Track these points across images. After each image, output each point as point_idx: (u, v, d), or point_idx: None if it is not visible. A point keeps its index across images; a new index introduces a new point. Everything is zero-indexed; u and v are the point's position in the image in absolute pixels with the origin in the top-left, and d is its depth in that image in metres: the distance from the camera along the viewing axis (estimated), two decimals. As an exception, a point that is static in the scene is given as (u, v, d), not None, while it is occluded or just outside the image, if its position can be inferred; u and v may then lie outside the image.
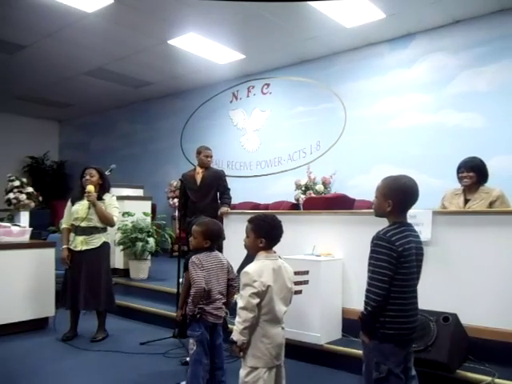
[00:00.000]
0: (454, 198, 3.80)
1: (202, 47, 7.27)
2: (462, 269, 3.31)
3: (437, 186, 4.80)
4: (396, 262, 1.99)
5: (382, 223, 2.24)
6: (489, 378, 2.80)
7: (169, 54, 7.54)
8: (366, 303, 2.04)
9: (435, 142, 6.40)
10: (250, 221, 2.45)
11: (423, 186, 6.77)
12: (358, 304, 3.68)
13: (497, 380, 2.79)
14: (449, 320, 3.00)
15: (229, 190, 5.09)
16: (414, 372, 2.18)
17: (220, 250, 3.35)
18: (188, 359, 2.91)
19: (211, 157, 5.18)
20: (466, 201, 3.71)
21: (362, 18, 6.24)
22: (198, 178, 5.08)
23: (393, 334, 2.02)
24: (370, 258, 2.06)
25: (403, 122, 6.78)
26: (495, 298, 3.15)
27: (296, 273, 3.28)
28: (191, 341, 2.75)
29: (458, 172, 3.80)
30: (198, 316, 2.70)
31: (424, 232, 3.42)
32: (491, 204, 3.55)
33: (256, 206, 7.02)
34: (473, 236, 3.32)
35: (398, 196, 2.10)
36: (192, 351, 2.73)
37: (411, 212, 3.58)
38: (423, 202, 3.82)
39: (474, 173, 3.68)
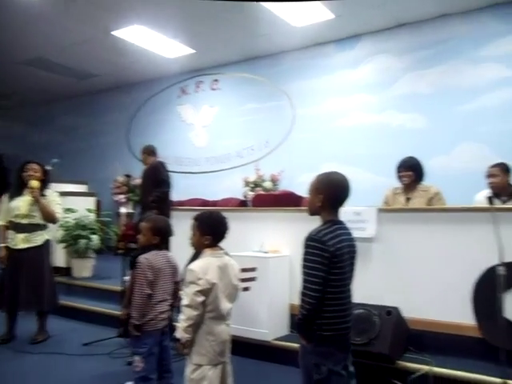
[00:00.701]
0: (396, 198, 3.95)
1: (149, 40, 7.12)
2: (405, 264, 3.44)
3: (381, 183, 4.97)
4: (329, 263, 1.94)
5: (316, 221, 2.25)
6: (426, 367, 2.93)
7: (114, 46, 7.32)
8: (301, 307, 1.98)
9: (380, 142, 6.61)
10: (195, 218, 2.42)
11: (368, 183, 6.98)
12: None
13: (434, 368, 2.92)
14: (391, 313, 3.11)
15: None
16: (351, 368, 2.15)
17: (167, 247, 3.29)
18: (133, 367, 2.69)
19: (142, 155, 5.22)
20: (407, 199, 3.86)
21: (311, 18, 6.33)
22: (142, 175, 5.15)
23: (330, 335, 1.99)
24: (303, 259, 1.99)
25: (349, 122, 6.96)
26: (434, 292, 3.30)
27: (244, 270, 3.30)
28: (137, 358, 2.59)
29: (398, 171, 3.96)
30: (147, 328, 2.60)
31: (369, 229, 3.54)
32: (429, 200, 3.72)
33: (204, 203, 6.98)
34: (414, 232, 3.46)
35: (328, 190, 2.07)
36: (139, 369, 2.58)
37: (356, 209, 3.75)
38: (368, 199, 3.96)
39: (412, 172, 3.86)
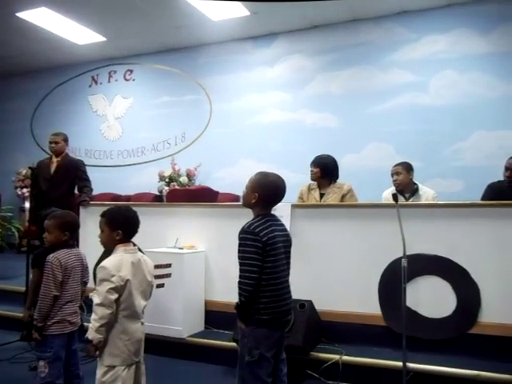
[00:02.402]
0: (311, 193, 4.07)
1: (58, 24, 6.72)
2: (318, 259, 3.56)
3: (295, 180, 5.06)
4: (262, 252, 2.12)
5: (245, 216, 2.33)
6: (337, 356, 3.07)
7: (18, 28, 6.81)
8: (240, 294, 2.14)
9: (294, 139, 6.79)
10: (102, 215, 2.33)
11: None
12: (220, 295, 3.78)
13: (344, 357, 3.07)
14: (304, 307, 3.23)
15: (89, 181, 4.79)
16: (284, 355, 2.34)
17: (77, 243, 3.12)
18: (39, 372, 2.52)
19: (57, 143, 4.77)
20: (321, 195, 3.99)
21: (228, 13, 6.33)
22: (53, 167, 4.71)
23: (266, 319, 2.15)
24: (239, 251, 2.16)
25: (266, 118, 7.07)
26: (344, 285, 3.45)
27: (158, 266, 3.24)
28: (41, 363, 2.45)
29: (311, 167, 4.10)
30: (53, 331, 2.46)
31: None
32: (343, 197, 3.88)
33: (116, 198, 6.72)
34: (328, 228, 3.59)
35: (263, 191, 2.24)
36: (43, 374, 2.44)
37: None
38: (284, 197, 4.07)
39: (318, 168, 3.98)
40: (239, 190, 2.71)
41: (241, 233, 2.18)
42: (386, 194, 4.08)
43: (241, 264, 2.15)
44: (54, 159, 4.76)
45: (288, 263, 2.32)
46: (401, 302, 2.64)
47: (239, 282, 2.14)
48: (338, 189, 3.94)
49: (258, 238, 2.12)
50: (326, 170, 3.98)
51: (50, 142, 4.76)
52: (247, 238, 2.14)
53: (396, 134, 6.18)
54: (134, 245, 2.36)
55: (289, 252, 2.33)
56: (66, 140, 4.83)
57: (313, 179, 4.04)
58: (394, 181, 4.02)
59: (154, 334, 3.34)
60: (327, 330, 3.39)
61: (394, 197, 2.88)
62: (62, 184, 4.65)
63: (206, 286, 3.87)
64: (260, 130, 7.06)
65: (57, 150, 4.75)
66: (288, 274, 2.32)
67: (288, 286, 2.30)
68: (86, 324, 2.39)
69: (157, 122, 7.82)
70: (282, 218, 3.62)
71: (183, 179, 7.05)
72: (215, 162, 7.16)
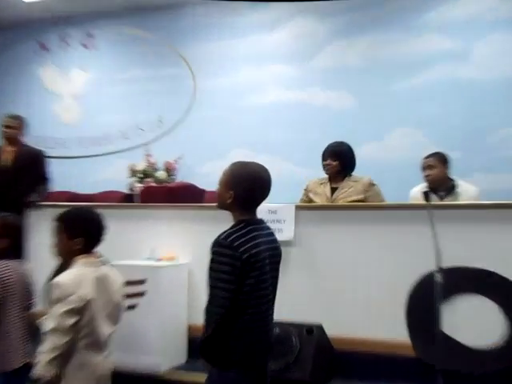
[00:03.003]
0: (320, 188, 4.07)
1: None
2: (329, 273, 3.58)
3: (303, 175, 5.13)
4: (240, 273, 2.02)
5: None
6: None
7: None
8: (205, 325, 2.05)
9: (300, 125, 6.80)
10: (58, 219, 2.35)
11: (287, 175, 7.16)
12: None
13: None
14: (313, 332, 3.25)
15: (48, 179, 4.89)
16: None
17: (20, 253, 3.09)
18: None
19: (13, 128, 4.81)
20: (333, 190, 4.00)
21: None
22: (6, 157, 4.76)
23: (237, 360, 2.06)
24: (209, 268, 2.07)
25: (265, 99, 7.07)
26: (363, 305, 3.47)
27: (129, 283, 3.24)
28: None
29: (323, 159, 4.10)
30: None
31: (286, 230, 3.64)
32: (364, 192, 3.84)
33: (75, 197, 6.70)
34: (340, 234, 3.61)
35: (241, 187, 2.15)
36: None
37: (270, 207, 3.80)
38: (286, 195, 4.05)
39: (337, 161, 3.97)
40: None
41: (214, 245, 2.09)
42: (416, 193, 4.10)
43: (211, 286, 2.06)
44: (8, 148, 4.79)
45: (274, 286, 2.24)
46: (434, 327, 2.67)
47: (206, 310, 2.05)
48: (354, 182, 3.94)
49: (237, 255, 2.02)
50: (346, 163, 3.99)
51: (4, 126, 4.79)
52: (221, 253, 2.04)
53: (428, 116, 6.21)
54: (99, 256, 2.38)
55: (277, 270, 2.26)
56: (23, 125, 4.86)
57: (329, 173, 4.02)
58: (426, 176, 4.05)
59: (123, 367, 3.29)
60: (342, 361, 3.40)
61: (426, 196, 2.92)
62: (19, 181, 4.66)
63: (190, 307, 3.86)
64: (257, 112, 7.06)
65: (11, 136, 4.77)
66: (273, 298, 2.24)
67: (269, 316, 2.21)
68: (34, 358, 2.39)
69: (126, 101, 7.81)
70: (283, 223, 3.73)
71: (161, 174, 7.04)
72: (201, 153, 7.16)
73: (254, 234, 2.11)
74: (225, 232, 2.10)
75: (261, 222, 2.24)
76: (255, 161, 2.31)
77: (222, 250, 2.05)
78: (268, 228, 2.27)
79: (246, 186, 2.15)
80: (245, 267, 2.03)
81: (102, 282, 2.30)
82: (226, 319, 2.03)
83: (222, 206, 2.24)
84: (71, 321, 2.15)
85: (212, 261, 2.06)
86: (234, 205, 2.17)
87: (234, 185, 2.16)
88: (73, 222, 2.32)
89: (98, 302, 2.25)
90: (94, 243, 2.35)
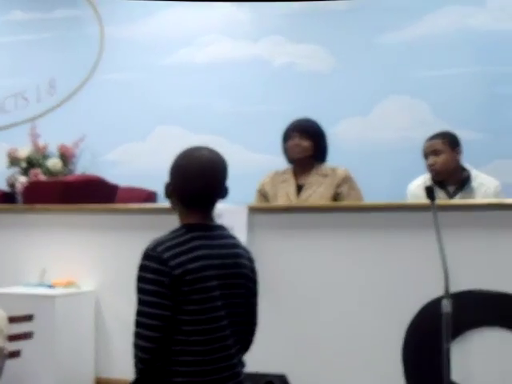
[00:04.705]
0: (281, 186, 4.12)
1: None
2: (296, 301, 3.62)
3: (259, 163, 5.16)
4: (174, 295, 2.06)
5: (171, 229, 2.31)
6: None
7: None
8: (135, 364, 2.11)
9: (255, 93, 6.80)
10: None
11: (237, 164, 6.98)
12: (123, 368, 3.74)
13: None
14: (273, 386, 3.29)
15: None
16: None
17: None
18: None
19: None
20: (299, 187, 4.07)
21: None
22: None
23: None
24: (135, 289, 2.12)
25: (202, 54, 7.01)
26: (342, 347, 3.52)
27: (11, 319, 3.21)
28: None
29: (286, 139, 4.15)
30: None
31: (235, 241, 3.66)
32: (336, 189, 3.94)
33: None
34: (312, 246, 3.67)
35: (181, 178, 2.24)
36: None
37: (215, 209, 3.81)
38: (238, 192, 4.03)
39: (309, 140, 4.05)
40: (155, 182, 2.71)
41: (141, 257, 2.14)
42: (416, 188, 4.17)
43: (136, 312, 2.11)
44: None
45: (238, 314, 2.26)
46: (441, 374, 2.73)
47: (134, 344, 2.11)
48: (325, 177, 4.01)
49: (166, 270, 2.06)
50: (321, 145, 4.08)
51: None
52: (148, 267, 2.09)
53: (433, 81, 6.28)
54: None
55: (240, 295, 2.27)
56: None
57: (299, 158, 4.09)
58: (430, 164, 4.12)
59: None
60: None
61: (429, 192, 2.97)
62: None
63: (98, 352, 3.88)
64: (192, 74, 7.02)
65: None
66: (240, 333, 2.28)
67: (225, 357, 2.21)
68: None
69: (4, 57, 7.72)
70: (231, 231, 3.71)
71: (53, 163, 6.96)
72: (110, 132, 7.08)
73: (197, 243, 2.15)
74: (156, 239, 2.15)
75: (215, 228, 2.29)
76: (192, 143, 2.35)
77: (148, 263, 2.08)
78: (229, 237, 2.32)
79: (187, 176, 2.21)
80: (179, 287, 2.06)
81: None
82: (157, 356, 2.08)
83: (172, 208, 2.30)
84: None
85: (138, 279, 2.11)
86: (175, 203, 2.24)
87: (173, 175, 2.24)
88: None
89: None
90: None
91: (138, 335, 2.08)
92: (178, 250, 2.09)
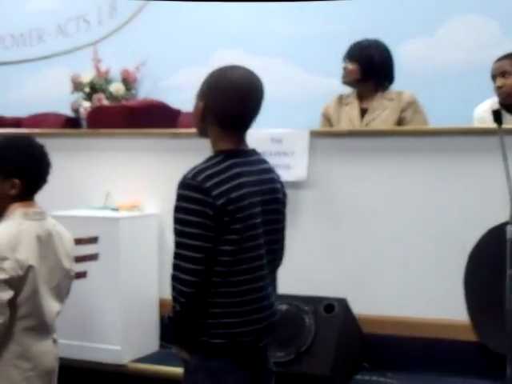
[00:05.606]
0: (344, 110, 4.12)
1: None
2: (357, 226, 3.62)
3: (321, 87, 5.12)
4: (216, 225, 2.02)
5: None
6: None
7: None
8: (174, 298, 2.08)
9: (317, 12, 6.71)
10: None
11: (298, 87, 7.15)
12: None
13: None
14: (334, 309, 3.32)
15: None
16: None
17: None
18: None
19: None
20: (363, 111, 4.06)
21: None
22: None
23: (222, 343, 2.08)
24: (174, 219, 2.08)
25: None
26: (402, 272, 3.53)
27: (77, 241, 3.31)
28: None
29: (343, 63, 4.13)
30: None
31: (296, 167, 3.67)
32: (400, 114, 3.93)
33: (-6, 121, 6.74)
34: (373, 172, 3.63)
35: (214, 98, 2.15)
36: None
37: (274, 133, 3.78)
38: (298, 117, 4.03)
39: (356, 64, 4.02)
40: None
41: (178, 187, 2.09)
42: (483, 112, 4.11)
43: (175, 245, 2.08)
44: None
45: (274, 241, 2.25)
46: (504, 302, 2.74)
47: (172, 277, 2.07)
48: (390, 101, 3.99)
49: (209, 201, 2.01)
50: (370, 67, 4.02)
51: None
52: (188, 197, 2.04)
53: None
54: (39, 207, 2.41)
55: (277, 221, 2.26)
56: None
57: (346, 82, 4.09)
58: (499, 87, 4.04)
59: (74, 358, 3.42)
60: (373, 348, 3.48)
61: (496, 115, 2.93)
62: None
63: (162, 274, 3.88)
64: (251, -5, 6.97)
65: None
66: (274, 262, 2.27)
67: (270, 285, 2.23)
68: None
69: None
70: (291, 156, 3.73)
71: (116, 88, 7.00)
72: (172, 55, 7.07)
73: (237, 170, 2.10)
74: (194, 168, 2.10)
75: (251, 153, 2.24)
76: (251, 66, 2.27)
77: (188, 193, 2.04)
78: (264, 162, 2.27)
79: (222, 97, 2.13)
80: (221, 217, 2.02)
81: (46, 243, 2.33)
82: (200, 290, 2.04)
83: (200, 131, 2.27)
84: (6, 296, 2.20)
85: (176, 209, 2.06)
86: (209, 128, 2.19)
87: (210, 96, 2.16)
88: (6, 157, 2.35)
89: (40, 271, 2.29)
90: (35, 187, 2.37)
91: (179, 268, 2.04)
92: (217, 178, 2.04)
